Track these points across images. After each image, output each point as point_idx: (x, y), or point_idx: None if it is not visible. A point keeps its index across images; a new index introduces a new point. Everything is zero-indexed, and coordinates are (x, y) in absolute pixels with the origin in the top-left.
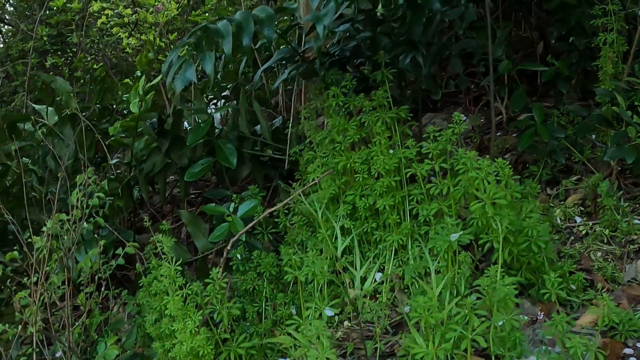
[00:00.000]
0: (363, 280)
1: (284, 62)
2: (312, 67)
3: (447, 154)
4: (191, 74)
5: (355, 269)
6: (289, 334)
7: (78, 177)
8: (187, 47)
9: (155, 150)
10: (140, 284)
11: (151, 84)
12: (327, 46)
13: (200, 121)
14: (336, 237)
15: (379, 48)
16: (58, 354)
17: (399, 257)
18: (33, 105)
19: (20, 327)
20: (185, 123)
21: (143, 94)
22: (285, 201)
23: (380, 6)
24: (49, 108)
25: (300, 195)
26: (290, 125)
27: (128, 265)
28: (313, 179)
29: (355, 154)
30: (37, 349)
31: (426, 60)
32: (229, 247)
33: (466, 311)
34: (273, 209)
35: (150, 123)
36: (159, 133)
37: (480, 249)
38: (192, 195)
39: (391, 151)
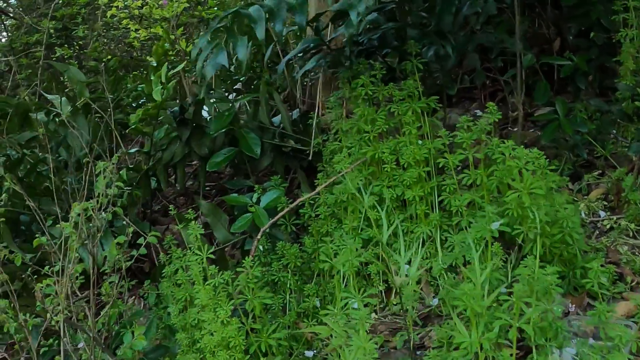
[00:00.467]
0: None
1: (309, 51)
2: (339, 57)
3: (481, 144)
4: (223, 58)
5: (399, 255)
6: (325, 324)
7: (100, 163)
8: (217, 32)
9: (174, 139)
10: (163, 275)
11: (174, 70)
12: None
13: (222, 110)
14: (366, 225)
15: (407, 38)
16: (80, 345)
17: (426, 248)
18: (46, 94)
19: (43, 316)
20: (204, 113)
21: (166, 81)
22: (316, 191)
23: None
24: (62, 98)
25: (328, 183)
26: (315, 115)
27: (142, 257)
28: (340, 170)
29: (384, 144)
30: (64, 338)
31: (454, 50)
32: (259, 237)
33: (513, 299)
34: (302, 199)
35: (171, 112)
36: (180, 122)
37: (512, 240)
38: (207, 188)
39: (420, 142)
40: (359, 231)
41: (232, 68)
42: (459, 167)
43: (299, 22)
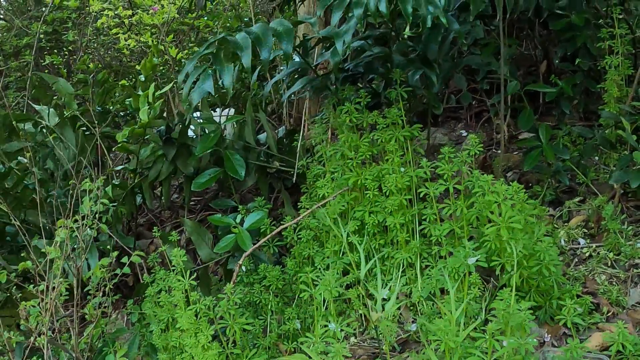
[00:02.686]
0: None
1: (295, 75)
2: (325, 82)
3: (462, 175)
4: (209, 85)
5: (375, 290)
6: (305, 353)
7: (85, 183)
8: (204, 58)
9: (160, 157)
10: (145, 294)
11: (161, 91)
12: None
13: (208, 131)
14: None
15: (393, 65)
16: None
17: (406, 274)
18: (33, 105)
19: (27, 335)
20: (190, 132)
21: (153, 101)
22: (299, 218)
23: (407, 28)
24: (50, 109)
25: (307, 209)
26: (300, 137)
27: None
28: (323, 195)
29: (366, 170)
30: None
31: (438, 77)
32: (241, 262)
33: (486, 336)
34: (285, 225)
35: (158, 131)
36: (166, 141)
37: (491, 271)
38: (192, 202)
39: (402, 169)
40: (340, 255)
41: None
42: (443, 197)
43: (285, 49)
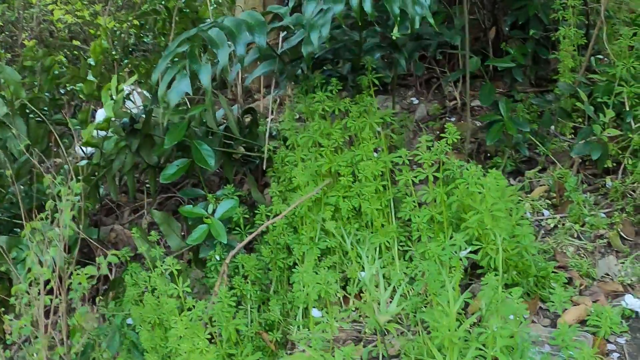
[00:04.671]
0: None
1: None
2: (292, 71)
3: (440, 163)
4: (186, 85)
5: (379, 292)
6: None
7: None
8: (178, 56)
9: (123, 149)
10: (124, 293)
11: (125, 84)
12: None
13: (174, 121)
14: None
15: (362, 50)
16: None
17: (382, 257)
18: None
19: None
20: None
21: (116, 94)
22: (281, 215)
23: (396, 29)
24: None
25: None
26: (268, 121)
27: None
28: (298, 184)
29: (339, 156)
30: None
31: (406, 60)
32: (227, 261)
33: (489, 331)
34: (272, 220)
35: (121, 123)
36: (130, 132)
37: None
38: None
39: (375, 154)
40: (317, 241)
41: None
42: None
43: (258, 42)
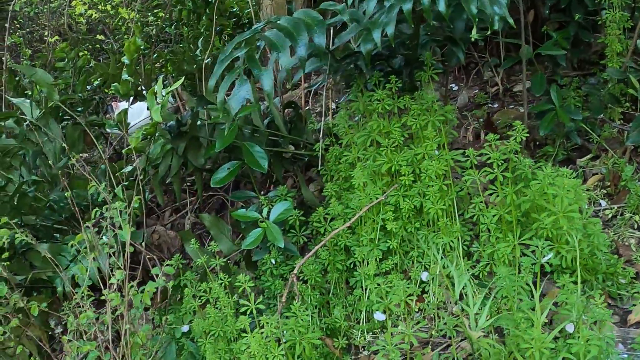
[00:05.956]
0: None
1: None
2: (348, 66)
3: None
4: (247, 91)
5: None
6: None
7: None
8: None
9: (169, 152)
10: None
11: (170, 88)
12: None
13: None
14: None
15: (419, 45)
16: None
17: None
18: (11, 99)
19: None
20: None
21: (162, 99)
22: (343, 226)
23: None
24: (29, 101)
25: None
26: (323, 120)
27: (134, 265)
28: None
29: (399, 155)
30: None
31: (463, 53)
32: (295, 272)
33: (582, 342)
34: (340, 228)
35: (167, 126)
36: (176, 135)
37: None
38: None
39: (436, 152)
40: (377, 242)
41: None
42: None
43: (318, 42)
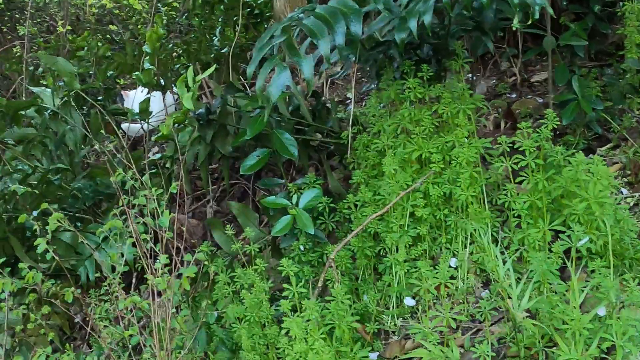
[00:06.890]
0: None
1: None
2: (378, 55)
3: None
4: (286, 78)
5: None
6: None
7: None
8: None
9: (196, 140)
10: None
11: (201, 76)
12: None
13: (256, 112)
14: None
15: (449, 34)
16: None
17: (475, 244)
18: (32, 88)
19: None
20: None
21: (193, 86)
22: (383, 210)
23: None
24: (50, 90)
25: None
26: (352, 108)
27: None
28: (385, 172)
29: (429, 143)
30: None
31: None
32: (332, 256)
33: (621, 322)
34: (369, 219)
35: (196, 114)
36: (205, 123)
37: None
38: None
39: (465, 139)
40: (406, 228)
41: None
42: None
43: (354, 31)
